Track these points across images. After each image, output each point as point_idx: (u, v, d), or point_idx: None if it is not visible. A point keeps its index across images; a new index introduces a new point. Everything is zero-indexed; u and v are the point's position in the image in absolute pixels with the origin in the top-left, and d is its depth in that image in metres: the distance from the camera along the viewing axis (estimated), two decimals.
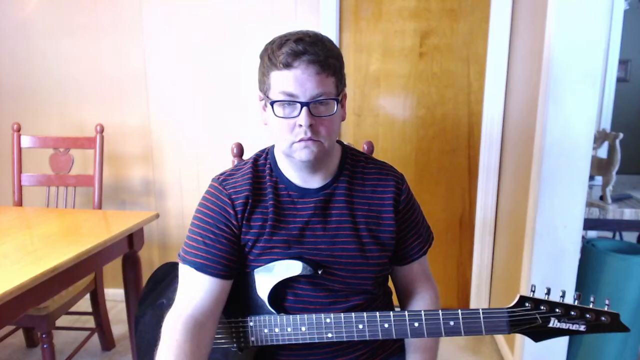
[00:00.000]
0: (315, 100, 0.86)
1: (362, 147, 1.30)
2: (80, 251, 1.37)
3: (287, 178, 0.98)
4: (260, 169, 1.00)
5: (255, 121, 2.39)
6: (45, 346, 1.62)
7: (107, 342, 2.16)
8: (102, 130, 2.07)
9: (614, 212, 1.78)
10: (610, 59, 2.57)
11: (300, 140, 0.87)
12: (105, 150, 2.24)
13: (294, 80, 0.84)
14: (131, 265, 1.78)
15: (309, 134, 0.86)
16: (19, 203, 2.11)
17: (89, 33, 2.40)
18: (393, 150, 2.44)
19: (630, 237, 2.55)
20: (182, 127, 2.45)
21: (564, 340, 1.81)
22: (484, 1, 2.24)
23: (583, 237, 1.85)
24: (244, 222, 0.96)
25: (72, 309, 1.91)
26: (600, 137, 1.92)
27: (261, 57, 0.91)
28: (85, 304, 2.16)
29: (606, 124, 2.66)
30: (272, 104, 0.87)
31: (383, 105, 2.40)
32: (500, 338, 2.20)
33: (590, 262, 1.84)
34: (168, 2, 2.33)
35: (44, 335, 1.62)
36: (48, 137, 2.12)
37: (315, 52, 0.84)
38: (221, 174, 1.02)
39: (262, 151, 1.05)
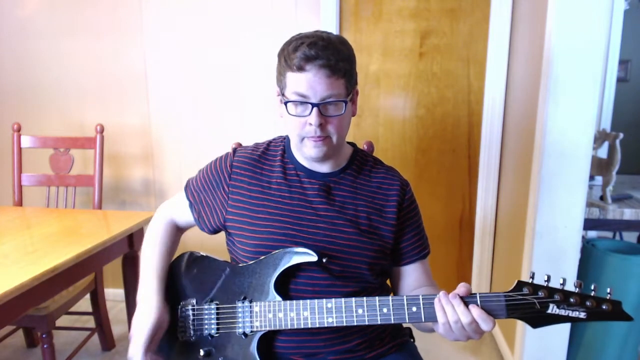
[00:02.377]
0: (325, 102, 0.93)
1: (362, 147, 1.30)
2: (80, 251, 1.37)
3: (297, 160, 1.06)
4: (272, 149, 1.10)
5: (255, 121, 2.39)
6: (45, 346, 1.62)
7: (107, 342, 2.16)
8: (102, 130, 2.07)
9: (614, 212, 1.78)
10: (610, 59, 2.57)
11: (310, 137, 0.96)
12: (105, 150, 2.24)
13: (305, 83, 0.92)
14: (131, 265, 1.78)
15: (318, 133, 0.94)
16: (19, 203, 2.11)
17: (89, 33, 2.40)
18: (393, 150, 2.44)
19: (630, 237, 2.55)
20: (182, 127, 2.45)
21: (564, 340, 1.81)
22: (484, 1, 2.24)
23: (583, 237, 1.85)
24: (243, 192, 1.04)
25: (72, 309, 1.92)
26: (600, 137, 1.92)
27: (279, 56, 0.98)
28: (85, 304, 2.16)
29: (606, 124, 2.66)
30: (286, 103, 0.96)
31: (383, 105, 2.40)
32: (500, 338, 2.20)
33: (590, 262, 1.84)
34: (168, 2, 2.33)
35: (44, 335, 1.62)
36: (48, 137, 2.12)
37: (326, 56, 0.91)
38: (241, 146, 1.15)
39: (280, 136, 1.13)
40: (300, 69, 0.91)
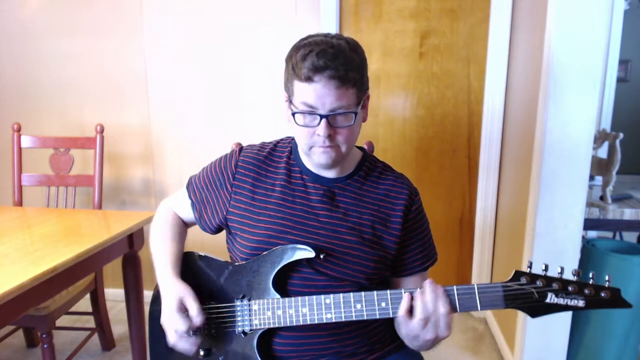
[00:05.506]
0: (333, 113, 0.90)
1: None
2: (80, 251, 1.37)
3: (303, 164, 1.04)
4: (279, 150, 1.08)
5: (255, 121, 2.39)
6: (45, 346, 1.62)
7: (107, 342, 2.17)
8: (102, 130, 2.07)
9: (614, 212, 1.78)
10: (610, 59, 2.57)
11: (319, 146, 0.93)
12: (105, 150, 2.24)
13: (314, 94, 0.88)
14: (131, 265, 1.78)
15: (327, 143, 0.92)
16: (19, 203, 2.11)
17: (89, 33, 2.40)
18: (393, 150, 2.44)
19: (630, 237, 2.55)
20: (182, 127, 2.45)
21: (564, 340, 1.81)
22: (484, 1, 2.24)
23: (583, 237, 1.85)
24: (246, 192, 1.03)
25: (72, 309, 1.91)
26: (600, 137, 1.92)
27: (286, 61, 0.94)
28: (85, 304, 2.16)
29: (606, 124, 2.66)
30: (293, 114, 0.92)
31: (383, 105, 2.41)
32: (500, 338, 2.20)
33: (590, 262, 1.84)
34: (168, 2, 2.33)
35: (44, 335, 1.62)
36: (48, 137, 2.12)
37: (335, 67, 0.87)
38: (248, 144, 1.12)
39: (288, 137, 1.10)
40: (309, 79, 0.87)
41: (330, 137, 0.91)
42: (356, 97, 0.92)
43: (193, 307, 0.94)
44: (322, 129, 0.90)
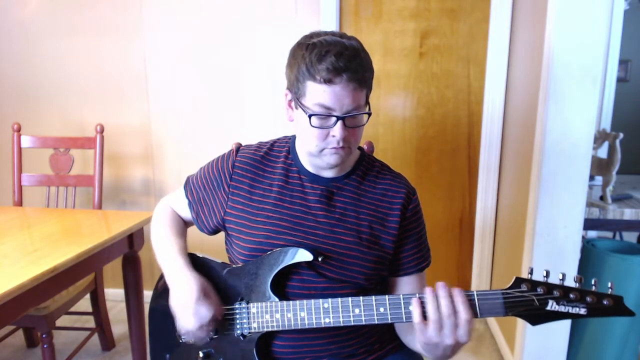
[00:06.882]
0: (350, 114, 0.90)
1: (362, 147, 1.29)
2: (80, 251, 1.37)
3: (301, 163, 1.03)
4: (276, 149, 1.07)
5: (255, 121, 2.39)
6: (45, 346, 1.62)
7: (107, 342, 2.17)
8: (102, 130, 2.07)
9: (614, 212, 1.78)
10: (610, 59, 2.57)
11: (331, 148, 0.93)
12: (105, 150, 2.24)
13: (332, 96, 0.88)
14: (131, 265, 1.78)
15: (341, 144, 0.92)
16: (19, 203, 2.11)
17: (89, 33, 2.40)
18: (393, 150, 2.44)
19: (630, 237, 2.55)
20: (182, 127, 2.45)
21: (564, 340, 1.81)
22: (484, 1, 2.24)
23: (583, 237, 1.85)
24: (244, 193, 1.03)
25: (72, 309, 1.91)
26: (600, 137, 1.92)
27: (296, 59, 0.91)
28: (85, 304, 2.16)
29: (606, 124, 2.66)
30: (310, 116, 0.90)
31: (383, 105, 2.41)
32: (500, 338, 2.20)
33: (590, 262, 1.84)
34: (168, 2, 2.33)
35: (44, 335, 1.62)
36: (48, 137, 2.12)
37: (355, 69, 0.87)
38: (245, 145, 1.12)
39: (285, 136, 1.11)
40: (329, 81, 0.86)
41: (345, 138, 0.91)
42: (366, 97, 0.93)
43: (215, 296, 0.97)
44: (338, 130, 0.89)
